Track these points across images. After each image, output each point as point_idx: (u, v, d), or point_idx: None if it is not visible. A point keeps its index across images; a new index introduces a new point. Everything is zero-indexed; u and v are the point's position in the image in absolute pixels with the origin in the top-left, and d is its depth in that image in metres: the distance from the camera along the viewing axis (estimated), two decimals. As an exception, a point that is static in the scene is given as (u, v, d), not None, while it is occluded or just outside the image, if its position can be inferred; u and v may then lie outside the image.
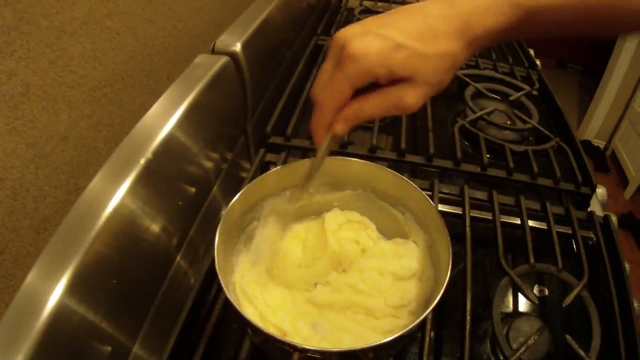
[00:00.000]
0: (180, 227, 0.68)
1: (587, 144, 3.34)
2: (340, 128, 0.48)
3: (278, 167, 0.63)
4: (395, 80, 0.45)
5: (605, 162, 3.21)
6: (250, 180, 0.69)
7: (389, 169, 0.62)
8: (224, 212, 0.55)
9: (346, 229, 0.66)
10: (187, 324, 0.61)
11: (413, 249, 0.61)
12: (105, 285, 0.52)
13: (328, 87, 0.46)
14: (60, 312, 0.45)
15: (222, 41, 0.81)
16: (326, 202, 0.68)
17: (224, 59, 0.77)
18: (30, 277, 0.46)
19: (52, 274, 0.46)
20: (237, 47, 0.80)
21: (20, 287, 0.45)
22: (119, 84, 0.77)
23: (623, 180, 3.02)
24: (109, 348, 0.53)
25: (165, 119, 0.65)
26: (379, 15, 0.47)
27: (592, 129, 3.33)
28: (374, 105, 0.47)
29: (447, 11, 0.45)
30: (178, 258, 0.68)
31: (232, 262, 0.60)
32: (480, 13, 0.45)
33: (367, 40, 0.43)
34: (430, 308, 0.48)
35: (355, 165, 0.63)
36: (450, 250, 0.52)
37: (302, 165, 0.63)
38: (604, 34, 0.55)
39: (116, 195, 0.54)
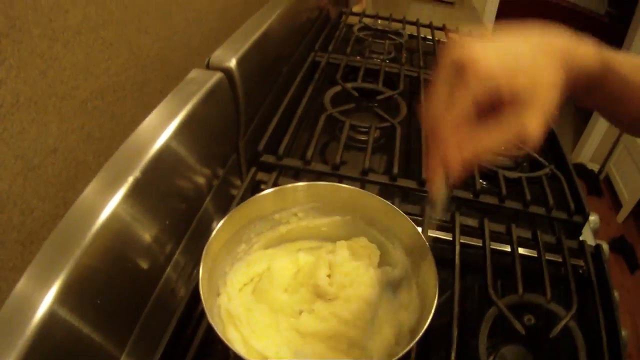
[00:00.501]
0: (168, 244, 0.67)
1: (581, 167, 3.35)
2: (459, 172, 0.44)
3: (266, 192, 0.62)
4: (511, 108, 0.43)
5: (599, 185, 3.23)
6: (240, 200, 0.68)
7: (378, 197, 0.62)
8: (210, 236, 0.54)
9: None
10: (172, 343, 0.60)
11: (401, 279, 0.60)
12: (92, 299, 0.52)
13: (449, 111, 0.43)
14: (49, 322, 0.45)
15: (217, 56, 0.80)
16: (315, 227, 0.67)
17: (218, 75, 0.76)
18: (19, 287, 0.46)
19: (41, 285, 0.46)
20: (232, 63, 0.79)
21: (9, 297, 0.45)
22: (111, 97, 0.76)
23: (616, 204, 3.04)
24: (98, 357, 0.53)
25: (156, 135, 0.64)
26: (490, 39, 0.45)
27: (587, 152, 3.35)
28: (494, 135, 0.43)
29: (554, 43, 0.45)
30: (166, 273, 0.68)
31: (219, 284, 0.60)
32: (579, 52, 0.45)
33: (492, 59, 0.42)
34: (415, 341, 0.48)
35: (345, 191, 0.63)
36: (437, 282, 0.51)
37: (290, 190, 0.63)
38: None
39: (104, 210, 0.54)
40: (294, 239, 0.68)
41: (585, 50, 0.46)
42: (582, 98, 0.52)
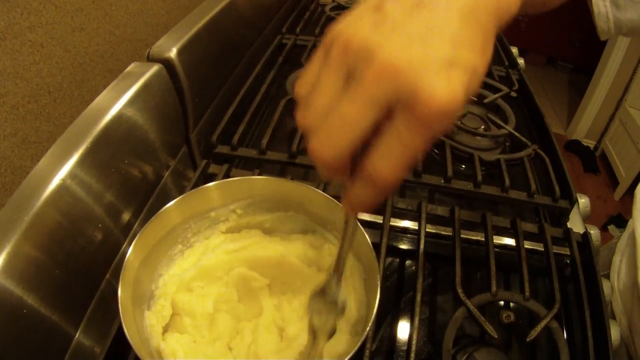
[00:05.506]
0: (112, 239, 0.63)
1: (576, 143, 3.29)
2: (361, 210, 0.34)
3: (171, 203, 0.55)
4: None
5: (595, 162, 3.17)
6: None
7: (320, 191, 0.56)
8: (126, 256, 0.49)
9: None
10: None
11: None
12: (44, 271, 0.50)
13: (339, 121, 0.30)
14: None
15: (158, 47, 0.73)
16: (257, 224, 0.61)
17: (155, 67, 0.69)
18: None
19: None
20: (172, 52, 0.72)
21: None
22: (46, 99, 0.72)
23: (613, 181, 2.98)
24: (50, 333, 0.51)
25: (86, 131, 0.58)
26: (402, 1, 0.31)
27: (582, 128, 3.28)
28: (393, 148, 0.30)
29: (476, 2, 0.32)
30: (122, 249, 0.64)
31: (152, 288, 0.55)
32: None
33: (406, 48, 0.28)
34: (351, 354, 0.43)
35: (286, 186, 0.58)
36: (379, 293, 0.46)
37: (207, 190, 0.58)
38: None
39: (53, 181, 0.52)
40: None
41: None
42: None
